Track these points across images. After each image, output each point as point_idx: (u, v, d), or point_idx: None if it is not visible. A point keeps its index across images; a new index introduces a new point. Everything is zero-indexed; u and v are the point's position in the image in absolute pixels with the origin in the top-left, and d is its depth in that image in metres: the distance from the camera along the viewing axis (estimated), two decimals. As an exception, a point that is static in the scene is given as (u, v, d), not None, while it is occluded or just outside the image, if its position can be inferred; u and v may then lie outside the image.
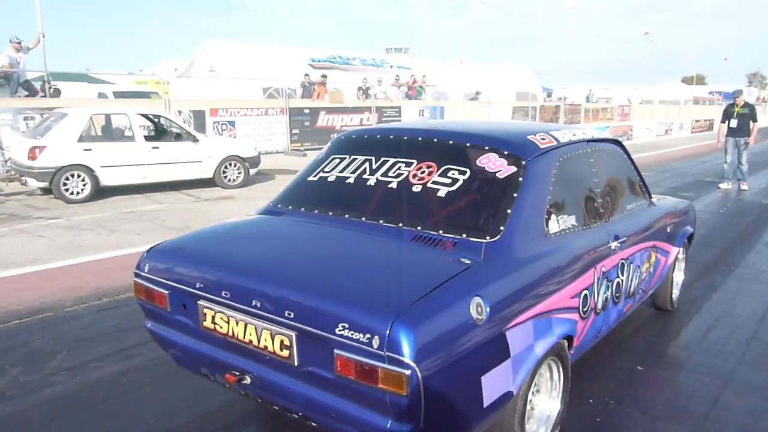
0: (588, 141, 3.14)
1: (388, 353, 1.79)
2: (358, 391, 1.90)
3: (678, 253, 4.29)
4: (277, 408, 2.29)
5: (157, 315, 2.55)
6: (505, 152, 2.64)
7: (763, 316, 4.49)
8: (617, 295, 3.16)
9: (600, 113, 29.47)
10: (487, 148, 2.69)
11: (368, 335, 1.83)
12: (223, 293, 2.22)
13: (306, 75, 19.46)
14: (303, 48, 28.74)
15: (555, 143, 2.82)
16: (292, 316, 2.02)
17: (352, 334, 1.86)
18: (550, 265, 2.49)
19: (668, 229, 3.97)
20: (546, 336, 2.36)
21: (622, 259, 3.15)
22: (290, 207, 2.91)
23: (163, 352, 2.75)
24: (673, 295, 4.48)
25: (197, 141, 9.86)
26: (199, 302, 2.30)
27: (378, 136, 3.11)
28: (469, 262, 2.20)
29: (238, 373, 2.24)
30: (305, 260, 2.37)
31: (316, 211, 2.79)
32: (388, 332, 1.80)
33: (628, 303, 3.44)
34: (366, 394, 1.89)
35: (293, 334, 2.02)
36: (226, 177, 10.23)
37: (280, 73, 21.39)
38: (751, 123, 11.09)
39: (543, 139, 2.80)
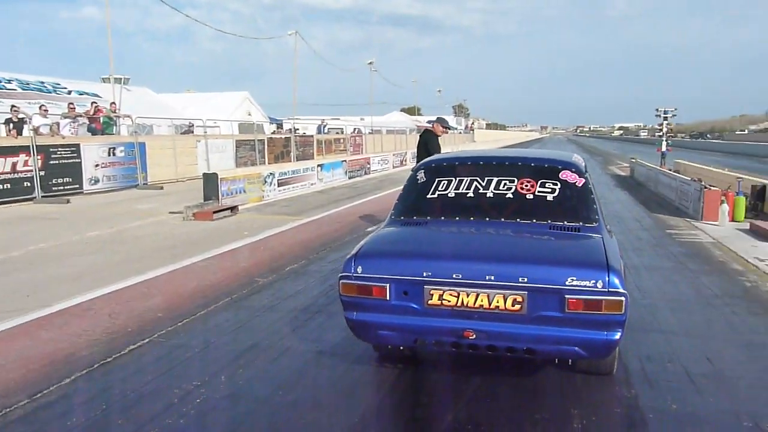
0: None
1: (610, 289, 3.03)
2: (584, 319, 3.08)
3: None
4: (493, 352, 3.23)
5: (369, 305, 3.33)
6: (573, 170, 4.01)
7: None
8: None
9: (333, 144, 26.80)
10: (560, 167, 4.02)
11: (593, 281, 3.04)
12: (454, 276, 3.15)
13: None
14: None
15: (584, 162, 4.37)
16: (525, 280, 3.08)
17: (580, 283, 3.04)
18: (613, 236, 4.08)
19: None
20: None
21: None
22: (428, 217, 3.93)
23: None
24: None
25: None
26: (425, 287, 3.19)
27: (469, 163, 4.28)
28: (599, 236, 3.58)
29: (472, 331, 3.16)
30: (505, 245, 3.56)
31: (456, 218, 3.86)
32: (607, 278, 3.05)
33: None
34: (591, 320, 3.07)
35: (525, 293, 3.09)
36: None
37: None
38: None
39: (580, 160, 4.34)
